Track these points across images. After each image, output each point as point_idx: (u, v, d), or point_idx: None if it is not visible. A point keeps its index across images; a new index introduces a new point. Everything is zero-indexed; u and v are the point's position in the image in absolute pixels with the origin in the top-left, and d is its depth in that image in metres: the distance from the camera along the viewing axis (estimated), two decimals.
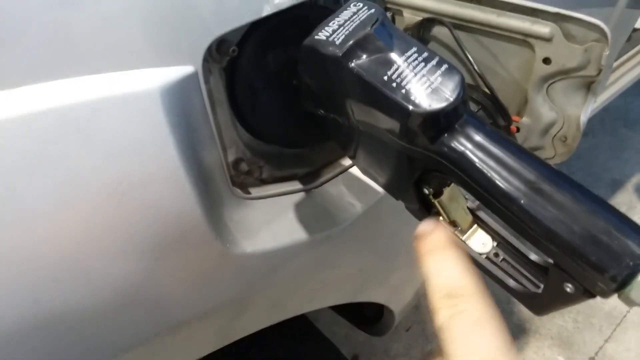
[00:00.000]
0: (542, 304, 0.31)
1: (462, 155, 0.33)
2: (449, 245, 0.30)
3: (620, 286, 0.29)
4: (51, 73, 0.32)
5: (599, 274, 0.29)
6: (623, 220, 0.30)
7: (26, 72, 0.32)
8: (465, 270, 0.29)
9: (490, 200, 0.32)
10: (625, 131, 2.12)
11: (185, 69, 0.37)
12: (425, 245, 0.31)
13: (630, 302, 0.30)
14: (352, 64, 0.36)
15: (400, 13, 0.48)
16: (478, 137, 0.33)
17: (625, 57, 1.54)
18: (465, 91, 0.35)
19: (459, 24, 0.45)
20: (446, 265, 0.29)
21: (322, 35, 0.37)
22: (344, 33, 0.37)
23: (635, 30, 1.56)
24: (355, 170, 0.57)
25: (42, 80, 0.32)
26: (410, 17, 0.47)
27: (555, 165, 0.48)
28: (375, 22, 0.37)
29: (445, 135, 0.34)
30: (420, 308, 1.37)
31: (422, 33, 0.48)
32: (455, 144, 0.33)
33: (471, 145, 0.33)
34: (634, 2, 1.05)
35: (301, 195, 0.54)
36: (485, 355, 0.25)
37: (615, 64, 1.50)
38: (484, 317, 0.27)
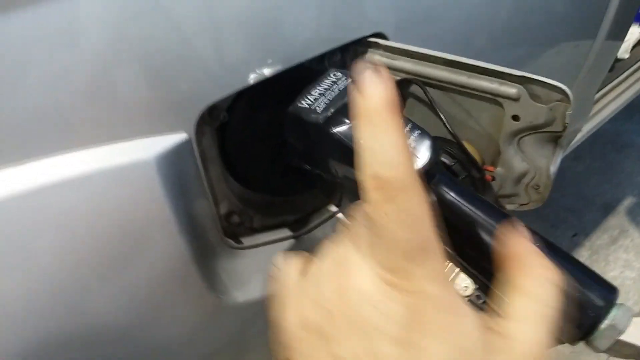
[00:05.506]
0: None
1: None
2: (392, 111, 0.23)
3: (585, 335, 0.32)
4: (51, 149, 0.35)
5: (565, 323, 0.32)
6: (586, 272, 0.33)
7: (26, 150, 0.35)
8: (406, 153, 0.23)
9: (464, 253, 0.35)
10: (615, 155, 2.15)
11: (180, 137, 0.40)
12: (366, 102, 0.23)
13: (595, 349, 0.32)
14: (334, 130, 0.39)
15: None
16: (450, 196, 0.37)
17: (609, 86, 1.59)
18: (438, 154, 0.38)
19: (434, 84, 0.48)
20: (385, 140, 0.23)
21: (304, 103, 0.41)
22: (324, 102, 0.40)
23: (617, 60, 1.61)
24: (343, 216, 0.60)
25: (43, 157, 0.35)
26: None
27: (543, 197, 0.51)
28: None
29: None
30: None
31: (400, 91, 0.51)
32: None
33: (444, 203, 0.36)
34: (613, 34, 1.09)
35: (291, 242, 0.56)
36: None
37: (600, 94, 1.54)
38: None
